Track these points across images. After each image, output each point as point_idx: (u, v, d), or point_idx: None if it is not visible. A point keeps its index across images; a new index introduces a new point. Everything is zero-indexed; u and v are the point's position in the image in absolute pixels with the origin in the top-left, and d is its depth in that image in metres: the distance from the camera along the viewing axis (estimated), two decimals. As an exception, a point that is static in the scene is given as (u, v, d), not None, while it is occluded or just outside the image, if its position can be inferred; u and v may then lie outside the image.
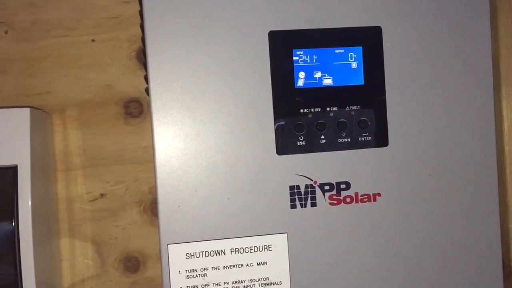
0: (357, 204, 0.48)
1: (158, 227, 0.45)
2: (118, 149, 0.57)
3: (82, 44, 0.56)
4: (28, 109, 0.50)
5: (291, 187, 0.47)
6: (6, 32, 0.56)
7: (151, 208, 0.57)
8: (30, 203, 0.48)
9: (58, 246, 0.56)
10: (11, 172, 0.48)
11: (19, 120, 0.49)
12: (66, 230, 0.56)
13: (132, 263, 0.57)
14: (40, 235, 0.50)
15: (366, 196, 0.48)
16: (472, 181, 0.49)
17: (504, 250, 0.62)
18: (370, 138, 0.48)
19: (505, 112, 0.60)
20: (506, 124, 0.60)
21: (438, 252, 0.49)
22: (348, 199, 0.48)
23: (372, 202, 0.48)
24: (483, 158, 0.50)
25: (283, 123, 0.47)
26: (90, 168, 0.57)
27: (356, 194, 0.48)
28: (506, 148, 0.60)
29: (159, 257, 0.47)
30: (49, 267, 0.53)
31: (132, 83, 0.57)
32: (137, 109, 0.57)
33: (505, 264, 0.62)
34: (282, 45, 0.47)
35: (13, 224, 0.48)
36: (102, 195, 0.57)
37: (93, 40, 0.57)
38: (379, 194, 0.48)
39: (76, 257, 0.57)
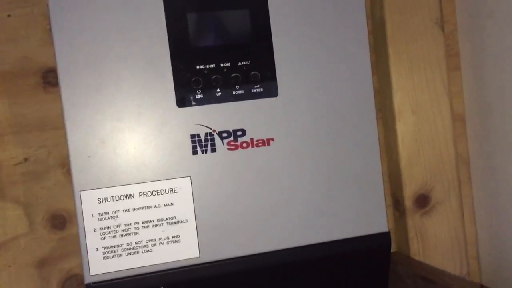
0: (253, 148, 0.54)
1: (71, 176, 0.50)
2: (39, 116, 0.61)
3: (-1, 19, 0.61)
4: None
5: (192, 136, 0.52)
6: None
7: (73, 169, 0.62)
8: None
9: (-13, 208, 0.60)
10: None
11: None
12: (-6, 194, 0.61)
13: (59, 221, 0.62)
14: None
15: (260, 141, 0.54)
16: (353, 125, 0.56)
17: (398, 190, 0.69)
18: (261, 89, 0.54)
19: (392, 68, 0.67)
20: (393, 78, 0.67)
21: (326, 188, 0.55)
22: (244, 144, 0.54)
23: (266, 146, 0.54)
24: (362, 106, 0.56)
25: (182, 79, 0.52)
26: (13, 135, 0.61)
27: (252, 139, 0.54)
28: (394, 99, 0.67)
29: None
30: (-22, 227, 0.57)
31: (48, 55, 0.61)
32: (55, 78, 0.61)
33: (399, 203, 0.70)
34: (176, 8, 0.52)
35: None
36: (25, 159, 0.61)
37: (9, 16, 0.61)
38: (272, 139, 0.54)
39: (6, 217, 0.61)
